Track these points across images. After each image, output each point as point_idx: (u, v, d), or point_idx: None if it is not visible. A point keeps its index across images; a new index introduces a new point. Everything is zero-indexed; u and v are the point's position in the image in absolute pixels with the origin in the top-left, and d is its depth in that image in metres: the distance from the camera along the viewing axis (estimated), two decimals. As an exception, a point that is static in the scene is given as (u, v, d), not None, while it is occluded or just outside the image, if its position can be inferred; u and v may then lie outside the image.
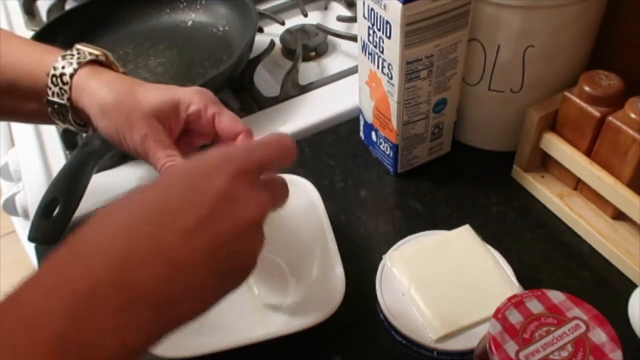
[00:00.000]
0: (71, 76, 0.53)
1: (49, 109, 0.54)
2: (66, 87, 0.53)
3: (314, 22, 0.90)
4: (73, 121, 0.55)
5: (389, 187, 0.68)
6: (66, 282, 0.31)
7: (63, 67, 0.53)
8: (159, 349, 0.49)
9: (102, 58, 0.55)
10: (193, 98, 0.53)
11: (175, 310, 0.33)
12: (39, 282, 0.32)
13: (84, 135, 0.68)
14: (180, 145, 0.53)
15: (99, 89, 0.52)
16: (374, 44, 0.60)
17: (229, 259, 0.35)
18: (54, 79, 0.53)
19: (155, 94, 0.52)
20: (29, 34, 0.92)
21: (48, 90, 0.53)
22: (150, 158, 0.51)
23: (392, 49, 0.57)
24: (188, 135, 0.55)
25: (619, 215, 0.59)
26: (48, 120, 0.56)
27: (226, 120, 0.53)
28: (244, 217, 0.36)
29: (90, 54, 0.55)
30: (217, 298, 0.36)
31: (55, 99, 0.53)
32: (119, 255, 0.32)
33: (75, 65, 0.53)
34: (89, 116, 0.53)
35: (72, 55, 0.54)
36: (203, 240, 0.34)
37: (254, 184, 0.37)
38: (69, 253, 0.33)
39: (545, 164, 0.65)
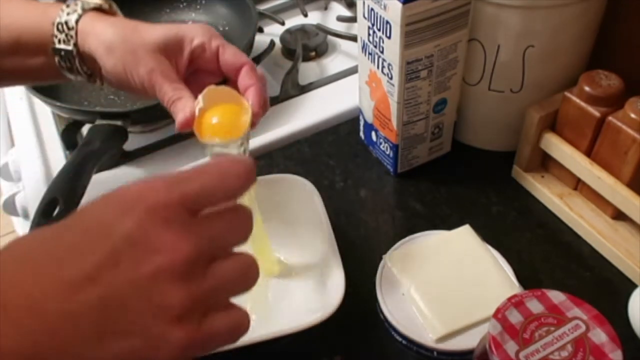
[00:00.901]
0: (76, 22, 0.53)
1: (56, 59, 0.55)
2: (72, 33, 0.53)
3: (314, 22, 0.90)
4: (80, 69, 0.56)
5: (389, 187, 0.68)
6: None
7: (68, 14, 0.54)
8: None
9: (105, 6, 0.56)
10: (197, 32, 0.53)
11: None
12: None
13: (84, 135, 0.68)
14: (189, 86, 0.52)
15: (104, 30, 0.53)
16: (374, 44, 0.60)
17: (123, 316, 0.29)
18: (59, 26, 0.53)
19: (160, 31, 0.53)
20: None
21: (54, 39, 0.54)
22: (157, 92, 0.51)
23: (392, 49, 0.57)
24: (196, 75, 0.56)
25: (619, 215, 0.59)
26: (53, 75, 0.57)
27: (229, 52, 0.53)
28: (149, 267, 0.29)
29: (93, 2, 0.55)
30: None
31: (62, 46, 0.54)
32: None
33: (79, 12, 0.54)
34: (96, 59, 0.53)
35: (76, 4, 0.55)
36: (91, 292, 0.28)
37: (176, 224, 0.30)
38: None
39: (545, 164, 0.65)
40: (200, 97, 0.49)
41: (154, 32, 0.53)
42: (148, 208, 0.30)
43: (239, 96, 0.50)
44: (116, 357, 0.29)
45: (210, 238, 0.32)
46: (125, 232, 0.29)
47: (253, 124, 0.50)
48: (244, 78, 0.52)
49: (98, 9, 0.55)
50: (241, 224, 0.34)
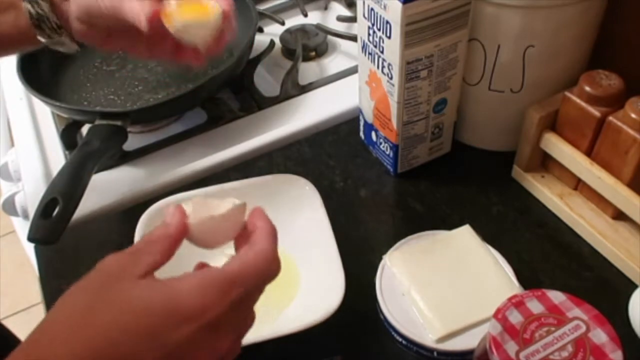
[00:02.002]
0: None
1: (28, 8, 0.56)
2: None
3: (314, 22, 0.90)
4: (49, 19, 0.56)
5: (389, 187, 0.68)
6: None
7: None
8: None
9: None
10: None
11: None
12: None
13: (84, 135, 0.68)
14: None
15: None
16: (374, 43, 0.60)
17: None
18: None
19: None
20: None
21: None
22: (126, 12, 0.53)
23: (392, 49, 0.57)
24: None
25: (619, 215, 0.59)
26: (25, 33, 0.57)
27: None
28: None
29: None
30: None
31: None
32: None
33: None
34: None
35: None
36: None
37: (220, 328, 0.36)
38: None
39: (545, 164, 0.65)
40: None
41: None
42: (206, 323, 0.34)
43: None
44: None
45: (244, 317, 0.39)
46: (180, 341, 0.34)
47: (225, 22, 0.51)
48: None
49: None
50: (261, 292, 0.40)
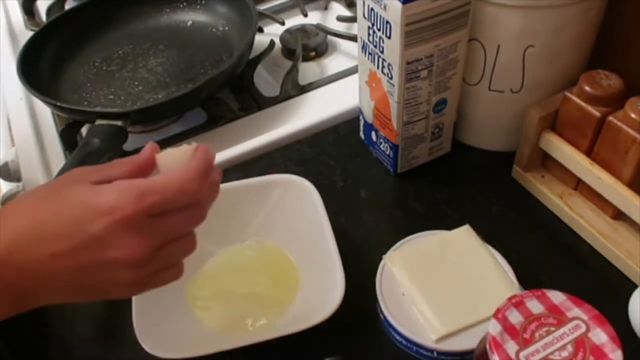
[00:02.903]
0: None
1: None
2: None
3: (314, 22, 0.90)
4: None
5: (389, 187, 0.68)
6: None
7: None
8: (159, 350, 0.49)
9: None
10: None
11: (37, 298, 0.43)
12: None
13: (84, 135, 0.68)
14: None
15: None
16: (374, 43, 0.60)
17: (89, 279, 0.41)
18: None
19: None
20: (28, 33, 0.92)
21: None
22: None
23: (392, 48, 0.57)
24: None
25: (619, 215, 0.59)
26: None
27: None
28: (110, 257, 0.40)
29: None
30: (76, 299, 0.45)
31: None
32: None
33: None
34: None
35: None
36: (67, 262, 0.40)
37: (134, 231, 0.40)
38: None
39: (545, 164, 0.65)
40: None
41: None
42: (117, 220, 0.39)
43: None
44: (87, 300, 0.46)
45: (165, 232, 0.42)
46: (94, 233, 0.39)
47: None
48: None
49: None
50: (192, 217, 0.43)
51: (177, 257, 0.44)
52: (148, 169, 0.44)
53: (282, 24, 0.91)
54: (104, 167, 0.44)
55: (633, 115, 0.53)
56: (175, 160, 0.44)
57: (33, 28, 0.97)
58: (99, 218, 0.39)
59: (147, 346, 0.49)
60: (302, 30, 0.89)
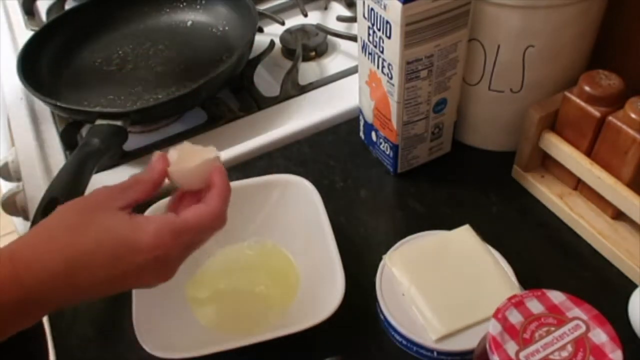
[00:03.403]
0: None
1: None
2: None
3: (314, 22, 0.90)
4: None
5: (389, 187, 0.68)
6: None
7: None
8: (159, 350, 0.49)
9: None
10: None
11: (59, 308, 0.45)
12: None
13: (84, 135, 0.68)
14: None
15: None
16: (374, 44, 0.60)
17: (117, 290, 0.45)
18: None
19: None
20: (28, 33, 0.92)
21: None
22: None
23: (392, 48, 0.57)
24: None
25: (619, 215, 0.59)
26: None
27: None
28: (143, 281, 0.45)
29: None
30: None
31: None
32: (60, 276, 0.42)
33: None
34: None
35: None
36: (104, 288, 0.44)
37: (169, 261, 0.45)
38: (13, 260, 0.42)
39: (545, 164, 0.65)
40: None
41: None
42: (155, 257, 0.43)
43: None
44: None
45: (192, 251, 0.47)
46: (135, 268, 0.43)
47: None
48: None
49: None
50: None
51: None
52: (162, 183, 0.48)
53: (282, 24, 0.91)
54: (125, 187, 0.46)
55: (633, 115, 0.53)
56: (194, 176, 0.48)
57: (33, 28, 0.97)
58: (139, 255, 0.43)
59: (147, 346, 0.49)
60: (302, 30, 0.89)
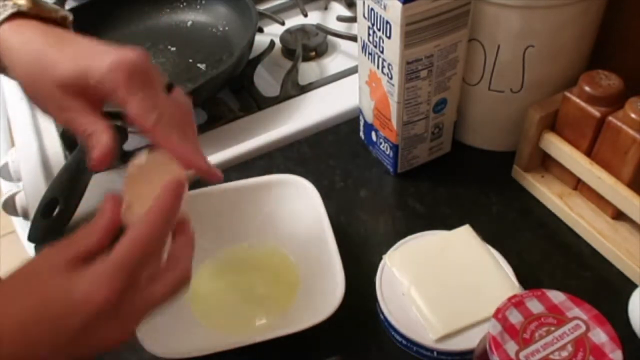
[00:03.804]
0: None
1: None
2: None
3: (314, 22, 0.90)
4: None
5: (389, 187, 0.68)
6: None
7: None
8: (159, 350, 0.49)
9: (24, 9, 0.52)
10: (105, 77, 0.48)
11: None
12: None
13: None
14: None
15: (16, 51, 0.50)
16: (374, 43, 0.60)
17: (83, 352, 0.41)
18: None
19: (65, 67, 0.48)
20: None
21: None
22: (70, 126, 0.50)
23: (392, 49, 0.57)
24: None
25: (619, 215, 0.59)
26: None
27: (134, 111, 0.49)
28: (96, 338, 0.41)
29: (14, 5, 0.52)
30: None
31: None
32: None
33: (4, 15, 0.51)
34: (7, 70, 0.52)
35: (5, 5, 0.52)
36: (67, 349, 0.40)
37: (113, 312, 0.40)
38: None
39: (545, 164, 0.65)
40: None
41: (59, 67, 0.48)
42: (96, 312, 0.39)
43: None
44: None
45: (151, 302, 0.42)
46: (78, 327, 0.39)
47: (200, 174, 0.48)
48: (156, 140, 0.48)
49: (21, 13, 0.52)
50: (173, 277, 0.43)
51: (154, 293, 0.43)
52: (117, 228, 0.43)
53: (282, 24, 0.91)
54: (76, 241, 0.42)
55: (633, 115, 0.53)
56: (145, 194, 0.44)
57: (33, 28, 0.97)
58: (78, 313, 0.39)
59: (147, 346, 0.49)
60: (302, 30, 0.89)
